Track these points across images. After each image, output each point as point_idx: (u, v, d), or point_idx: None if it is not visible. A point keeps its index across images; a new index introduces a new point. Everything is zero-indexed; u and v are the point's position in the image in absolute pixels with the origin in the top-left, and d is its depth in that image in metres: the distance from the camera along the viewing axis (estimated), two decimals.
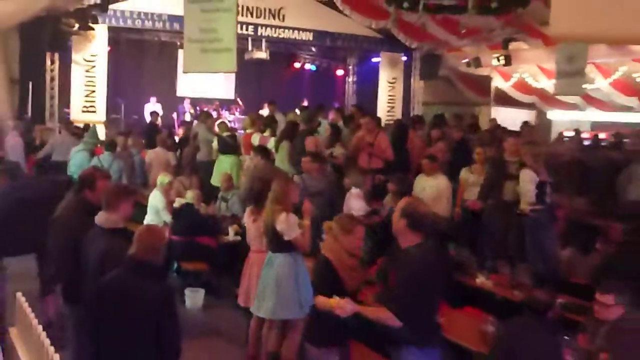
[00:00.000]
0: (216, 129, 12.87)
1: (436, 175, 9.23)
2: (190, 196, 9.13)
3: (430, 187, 9.09)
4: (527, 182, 8.02)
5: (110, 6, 14.61)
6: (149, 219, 8.71)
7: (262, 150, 9.71)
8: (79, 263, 4.91)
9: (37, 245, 6.87)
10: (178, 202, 9.12)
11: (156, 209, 8.79)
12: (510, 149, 8.68)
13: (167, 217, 8.77)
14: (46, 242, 5.68)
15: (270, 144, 10.83)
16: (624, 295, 4.93)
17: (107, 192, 5.03)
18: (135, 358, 4.10)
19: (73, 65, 15.81)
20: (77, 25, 14.56)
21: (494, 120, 15.41)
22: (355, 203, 8.57)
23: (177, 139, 14.60)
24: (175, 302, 4.35)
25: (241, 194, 9.21)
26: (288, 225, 5.93)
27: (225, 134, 11.93)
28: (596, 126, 20.13)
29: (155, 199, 8.85)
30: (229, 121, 17.16)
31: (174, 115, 19.59)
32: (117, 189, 5.21)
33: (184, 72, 13.39)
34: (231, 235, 8.92)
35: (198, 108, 19.60)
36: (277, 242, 6.02)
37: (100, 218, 4.87)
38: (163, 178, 9.16)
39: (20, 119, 14.34)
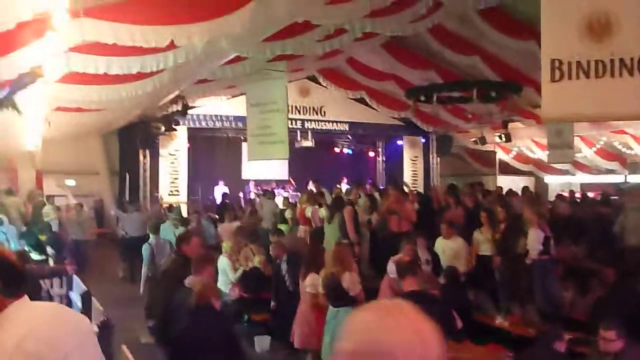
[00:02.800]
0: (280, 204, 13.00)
1: (454, 238, 9.06)
2: (257, 260, 9.10)
3: (450, 248, 8.92)
4: (534, 241, 7.84)
5: (189, 111, 15.03)
6: (219, 280, 8.61)
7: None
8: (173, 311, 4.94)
9: None
10: (248, 267, 9.09)
11: (223, 270, 8.72)
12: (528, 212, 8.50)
13: (232, 276, 8.68)
14: None
15: (321, 213, 10.81)
16: (623, 330, 4.75)
17: (195, 260, 5.10)
18: None
19: (160, 159, 16.24)
20: (163, 128, 14.98)
21: (499, 188, 15.25)
22: (390, 266, 8.38)
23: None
24: (235, 333, 4.46)
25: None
26: (352, 282, 5.87)
27: (284, 207, 12.04)
28: (585, 187, 19.79)
29: (221, 263, 8.77)
30: (284, 197, 17.26)
31: (241, 194, 19.77)
32: (203, 256, 5.26)
33: (248, 161, 13.60)
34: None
35: (259, 187, 19.80)
36: (341, 297, 5.87)
37: (189, 280, 4.91)
38: (226, 244, 9.15)
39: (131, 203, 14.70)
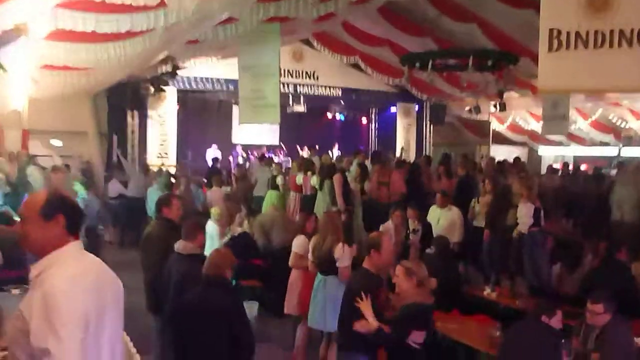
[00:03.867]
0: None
1: (449, 207, 9.09)
2: (246, 226, 9.12)
3: (445, 218, 8.95)
4: (525, 215, 7.87)
5: (178, 73, 14.86)
6: (207, 245, 8.60)
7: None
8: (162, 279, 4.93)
9: None
10: (236, 231, 9.11)
11: (211, 236, 8.73)
12: (517, 185, 8.54)
13: (220, 242, 8.70)
14: None
15: (313, 181, 10.79)
16: (611, 304, 4.82)
17: (186, 225, 5.07)
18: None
19: (149, 121, 16.09)
20: (152, 89, 14.84)
21: (493, 158, 15.27)
22: None
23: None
24: (244, 309, 4.31)
25: (258, 240, 8.95)
26: (344, 254, 5.85)
27: (276, 173, 12.02)
28: (578, 159, 19.88)
29: (209, 228, 8.78)
30: (276, 163, 17.22)
31: (231, 158, 19.70)
32: (194, 223, 5.23)
33: (239, 124, 13.48)
34: None
35: (249, 152, 19.75)
36: (330, 267, 5.90)
37: (180, 246, 4.90)
38: (215, 211, 9.15)
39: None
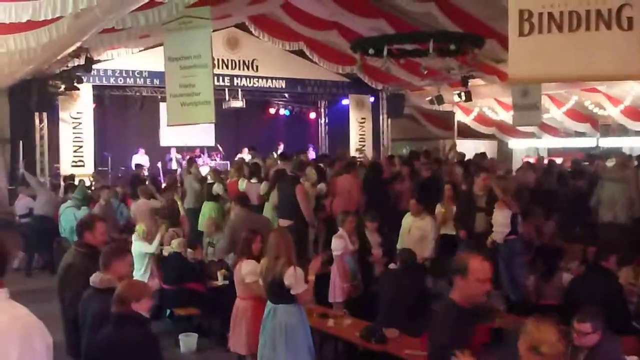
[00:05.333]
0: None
1: (423, 216, 9.05)
2: (175, 245, 8.91)
3: (417, 228, 8.91)
4: (501, 224, 7.90)
5: (94, 66, 14.53)
6: (136, 269, 8.36)
7: (242, 199, 9.35)
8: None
9: None
10: (166, 251, 8.92)
11: (139, 255, 8.49)
12: (479, 184, 8.58)
13: (150, 249, 8.52)
14: None
15: (262, 190, 10.61)
16: (599, 321, 4.86)
17: (104, 251, 4.89)
18: None
19: (61, 123, 15.79)
20: (62, 86, 14.48)
21: (463, 154, 15.41)
22: (334, 243, 8.28)
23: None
24: (157, 349, 4.27)
25: (222, 244, 8.78)
26: (296, 279, 5.56)
27: (212, 180, 11.81)
28: (553, 152, 20.29)
29: (135, 249, 8.57)
30: (211, 168, 16.98)
31: (159, 164, 19.34)
32: (108, 249, 5.00)
33: (168, 126, 13.26)
34: (220, 280, 8.61)
35: (180, 156, 19.43)
36: (281, 294, 5.63)
37: (95, 279, 4.70)
38: (141, 227, 8.94)
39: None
